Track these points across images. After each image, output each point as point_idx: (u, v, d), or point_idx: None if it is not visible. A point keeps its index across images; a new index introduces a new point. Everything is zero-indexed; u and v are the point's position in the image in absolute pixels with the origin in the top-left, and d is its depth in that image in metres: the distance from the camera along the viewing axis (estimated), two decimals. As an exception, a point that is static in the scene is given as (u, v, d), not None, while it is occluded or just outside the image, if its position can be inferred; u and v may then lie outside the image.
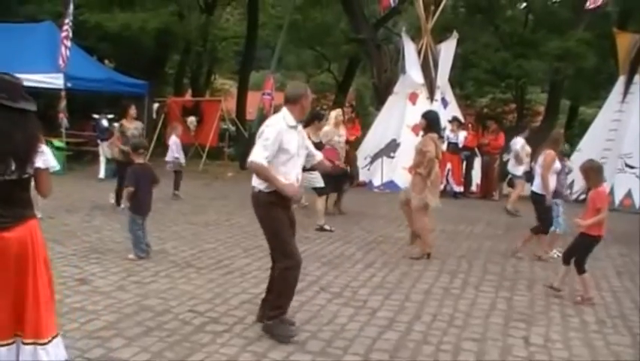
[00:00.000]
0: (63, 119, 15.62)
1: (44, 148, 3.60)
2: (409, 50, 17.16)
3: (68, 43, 15.79)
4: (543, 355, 5.04)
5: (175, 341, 4.78)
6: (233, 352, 4.66)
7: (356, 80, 33.20)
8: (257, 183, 4.97)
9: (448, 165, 15.33)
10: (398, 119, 16.98)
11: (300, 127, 5.13)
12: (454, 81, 20.86)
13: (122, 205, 8.45)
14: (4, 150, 3.38)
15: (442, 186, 15.03)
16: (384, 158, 16.48)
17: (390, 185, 15.65)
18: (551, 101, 23.01)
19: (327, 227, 9.90)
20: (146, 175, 7.54)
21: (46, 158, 3.59)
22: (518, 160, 13.43)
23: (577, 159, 15.07)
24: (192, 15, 25.61)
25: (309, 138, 10.03)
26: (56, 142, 15.38)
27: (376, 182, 16.23)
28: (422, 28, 17.65)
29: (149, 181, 7.56)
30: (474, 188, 15.92)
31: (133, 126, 10.85)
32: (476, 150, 16.06)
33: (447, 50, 17.13)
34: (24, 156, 3.45)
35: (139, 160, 7.68)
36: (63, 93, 15.52)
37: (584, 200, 7.32)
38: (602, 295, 6.99)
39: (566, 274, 6.78)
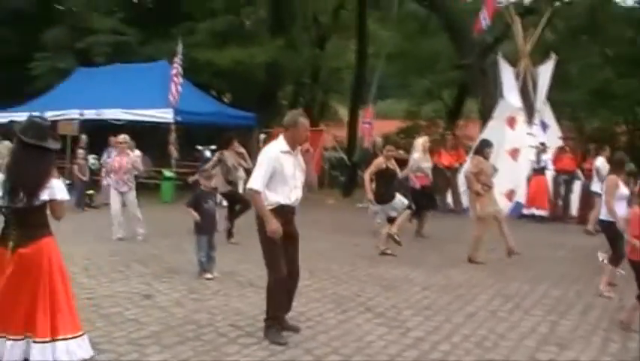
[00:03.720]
0: (173, 150, 16.77)
1: (53, 182, 4.26)
2: (506, 73, 17.06)
3: (179, 80, 17.04)
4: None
5: (204, 351, 5.24)
6: (254, 362, 5.07)
7: (469, 107, 32.91)
8: None
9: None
10: (497, 144, 16.80)
11: (296, 152, 5.67)
12: (563, 103, 20.29)
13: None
14: (16, 183, 4.12)
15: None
16: (482, 184, 16.33)
17: (486, 211, 15.48)
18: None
19: (388, 251, 10.03)
20: (207, 198, 8.25)
21: (52, 191, 4.24)
22: (600, 177, 13.14)
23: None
24: (304, 49, 26.63)
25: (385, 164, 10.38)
26: (166, 172, 16.56)
27: (472, 208, 16.10)
28: (520, 52, 17.51)
29: (211, 204, 8.27)
30: (574, 213, 15.45)
31: (233, 157, 11.00)
32: (579, 173, 15.68)
33: (545, 73, 16.87)
34: (32, 189, 4.15)
35: (204, 185, 8.45)
36: (173, 127, 16.72)
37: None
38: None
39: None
